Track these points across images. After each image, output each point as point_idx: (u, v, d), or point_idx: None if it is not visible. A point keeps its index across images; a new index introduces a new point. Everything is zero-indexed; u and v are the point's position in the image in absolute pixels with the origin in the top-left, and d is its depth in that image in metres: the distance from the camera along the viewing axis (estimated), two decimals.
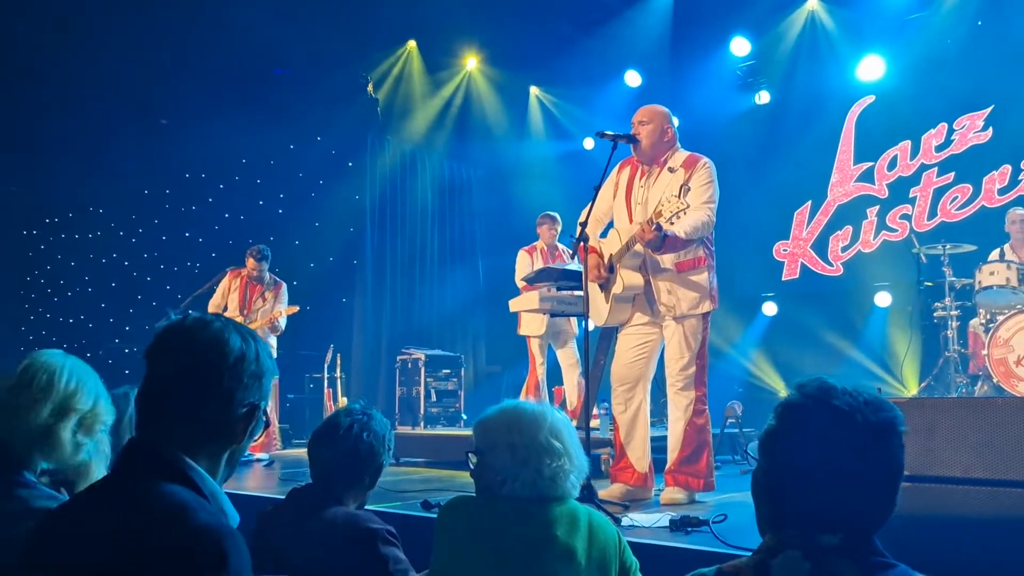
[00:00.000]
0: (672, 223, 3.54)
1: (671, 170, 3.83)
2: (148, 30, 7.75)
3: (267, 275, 6.64)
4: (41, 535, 1.17)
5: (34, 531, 1.17)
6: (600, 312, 3.95)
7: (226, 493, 2.78)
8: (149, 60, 8.15)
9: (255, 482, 5.01)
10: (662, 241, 3.52)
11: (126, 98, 8.47)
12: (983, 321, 5.81)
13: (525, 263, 6.51)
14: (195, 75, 8.41)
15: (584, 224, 3.84)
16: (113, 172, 8.93)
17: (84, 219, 9.43)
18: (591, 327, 4.10)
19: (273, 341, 6.63)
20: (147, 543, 1.06)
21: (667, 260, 3.77)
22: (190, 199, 9.28)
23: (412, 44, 9.32)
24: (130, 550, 1.06)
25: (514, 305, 5.76)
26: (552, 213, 6.69)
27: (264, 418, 1.29)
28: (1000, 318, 5.39)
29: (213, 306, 6.63)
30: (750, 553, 1.23)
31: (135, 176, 9.11)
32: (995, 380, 5.26)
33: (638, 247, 3.77)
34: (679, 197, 3.57)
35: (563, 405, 6.49)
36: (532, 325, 6.39)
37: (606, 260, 3.96)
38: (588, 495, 3.34)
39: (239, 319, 6.44)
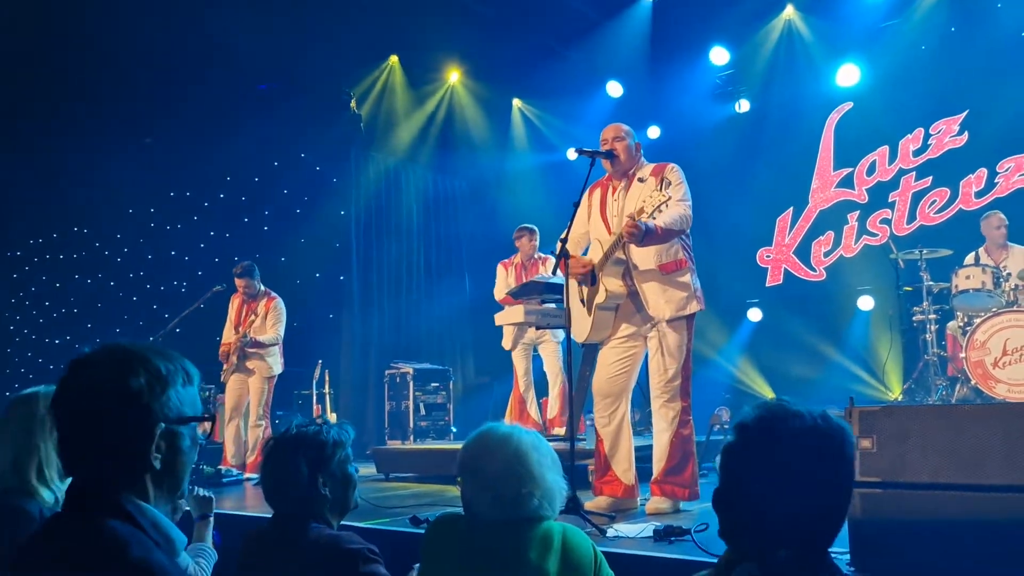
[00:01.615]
0: (654, 217, 3.64)
1: (641, 180, 3.92)
2: (131, 48, 7.76)
3: (259, 289, 6.60)
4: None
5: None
6: (583, 328, 3.98)
7: (217, 513, 2.80)
8: (132, 79, 8.17)
9: (244, 502, 5.04)
10: (644, 234, 3.59)
11: (109, 117, 8.48)
12: (960, 324, 5.90)
13: (501, 277, 6.54)
14: (179, 93, 8.44)
15: (564, 240, 3.89)
16: (98, 191, 8.93)
17: (69, 239, 9.43)
18: (578, 344, 4.15)
19: (273, 354, 6.53)
20: None
21: (650, 262, 3.82)
22: (175, 218, 9.29)
23: (394, 59, 9.37)
24: None
25: (500, 319, 5.81)
26: (529, 225, 6.69)
27: (190, 432, 1.31)
28: (977, 321, 5.47)
29: (226, 332, 6.63)
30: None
31: (120, 195, 9.11)
32: (973, 382, 5.35)
33: (619, 253, 3.83)
34: (660, 190, 3.66)
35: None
36: (509, 338, 6.44)
37: (588, 268, 4.02)
38: (574, 507, 3.38)
39: (234, 338, 6.45)
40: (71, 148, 8.65)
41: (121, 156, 8.72)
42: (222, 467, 6.17)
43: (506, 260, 6.68)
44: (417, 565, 2.04)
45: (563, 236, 3.96)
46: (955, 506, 2.29)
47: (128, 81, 8.19)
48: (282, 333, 6.53)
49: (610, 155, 3.97)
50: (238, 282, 6.53)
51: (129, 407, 1.24)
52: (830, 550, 1.26)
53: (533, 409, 6.51)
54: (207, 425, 1.40)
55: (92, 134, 8.57)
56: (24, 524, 1.99)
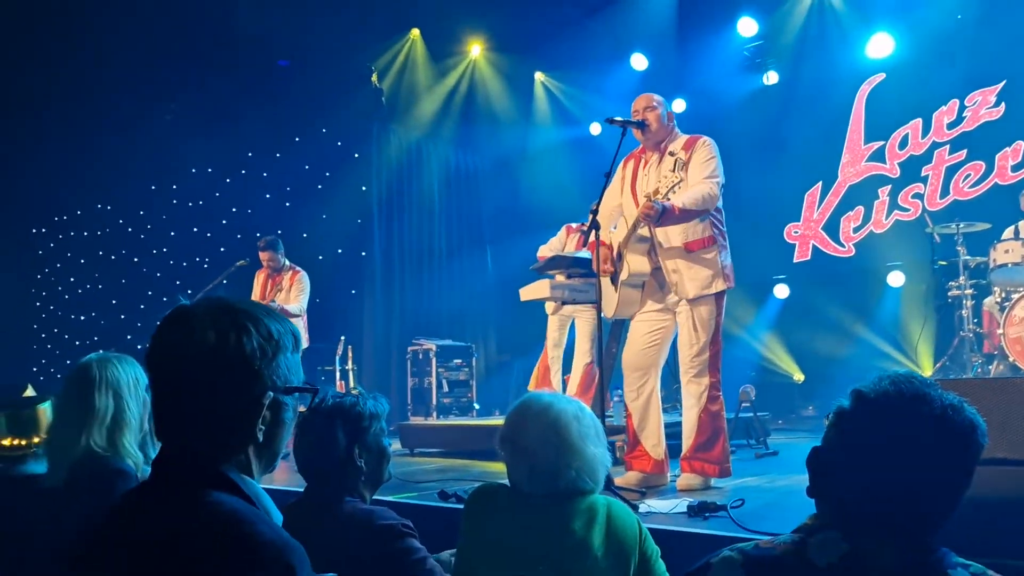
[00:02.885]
0: (668, 197, 3.59)
1: (672, 154, 3.83)
2: (152, 25, 7.72)
3: (283, 263, 6.58)
4: (81, 554, 1.09)
5: (75, 546, 1.10)
6: (610, 303, 3.92)
7: None
8: (153, 56, 8.13)
9: (271, 476, 5.02)
10: (660, 214, 3.51)
11: (130, 94, 8.46)
12: (998, 300, 5.76)
13: (560, 238, 6.38)
14: (199, 69, 8.39)
15: (595, 212, 3.81)
16: (119, 169, 8.94)
17: (92, 216, 9.46)
18: (607, 319, 4.08)
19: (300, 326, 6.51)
20: (204, 558, 0.99)
21: (676, 240, 3.76)
22: (197, 194, 9.29)
23: (415, 33, 9.27)
24: (184, 566, 1.00)
25: (525, 294, 5.71)
26: None
27: (293, 402, 1.20)
28: (1015, 296, 5.33)
29: None
30: (768, 537, 1.23)
31: (142, 172, 9.12)
32: (1011, 359, 5.22)
33: (643, 230, 3.77)
34: (674, 171, 3.63)
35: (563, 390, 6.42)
36: (552, 302, 6.26)
37: (615, 251, 3.97)
38: (605, 483, 3.33)
39: None
40: (93, 126, 8.66)
41: (143, 133, 8.72)
42: None
43: (575, 224, 6.49)
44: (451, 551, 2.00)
45: (593, 207, 3.88)
46: (1009, 482, 2.21)
47: (149, 58, 8.15)
48: (305, 304, 6.51)
49: (641, 125, 3.88)
50: (262, 256, 6.51)
51: (242, 372, 1.11)
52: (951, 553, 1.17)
53: (557, 380, 6.41)
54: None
55: (114, 111, 8.56)
56: (122, 486, 1.92)
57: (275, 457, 1.20)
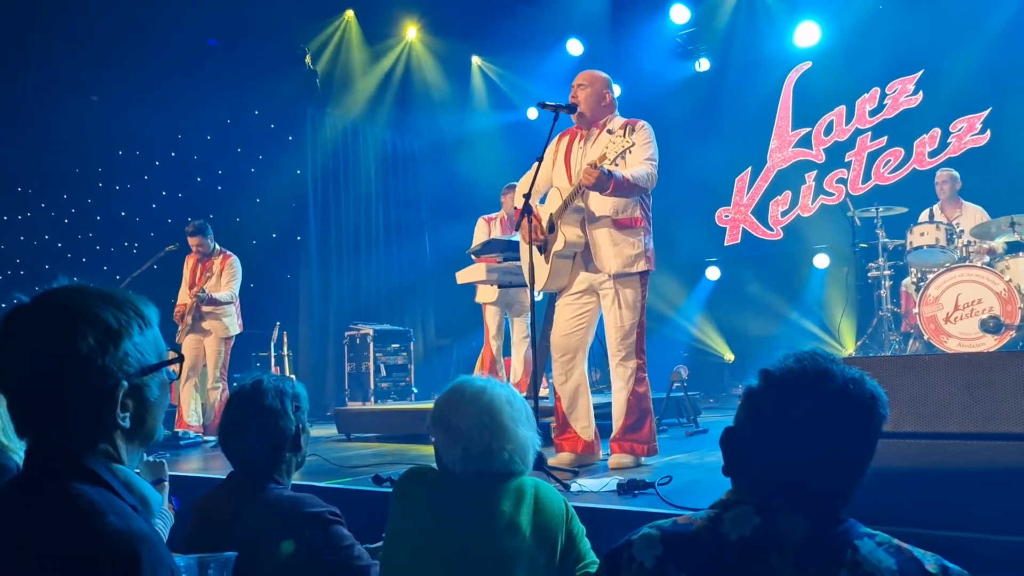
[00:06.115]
0: (616, 164, 3.56)
1: (610, 131, 3.84)
2: (78, 1, 7.44)
3: (213, 247, 6.46)
4: None
5: None
6: (541, 276, 3.94)
7: (175, 476, 2.72)
8: (78, 33, 7.83)
9: (203, 464, 4.96)
10: (608, 181, 3.52)
11: (54, 73, 8.14)
12: (914, 280, 6.01)
13: (482, 232, 6.41)
14: (126, 48, 8.12)
15: (527, 196, 3.84)
16: (41, 150, 8.60)
17: (12, 199, 9.09)
18: (537, 296, 4.13)
19: (230, 315, 6.41)
20: (54, 551, 1.01)
21: (607, 212, 3.77)
22: (125, 177, 9.01)
23: (350, 14, 9.14)
24: (39, 561, 1.01)
25: (461, 277, 5.75)
26: (515, 183, 6.59)
27: (159, 378, 1.19)
28: (930, 277, 5.58)
29: (180, 293, 6.48)
30: (689, 512, 1.27)
31: (65, 154, 8.79)
32: (926, 337, 5.46)
33: (578, 202, 3.78)
34: (624, 137, 3.55)
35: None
36: (486, 292, 6.34)
37: (545, 222, 3.97)
38: (538, 462, 3.38)
39: (189, 299, 6.31)
40: (12, 105, 8.30)
41: (66, 113, 8.40)
42: (179, 429, 6.07)
43: (489, 216, 6.52)
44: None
45: (525, 192, 3.91)
46: (915, 454, 2.34)
47: (73, 35, 7.85)
48: (237, 290, 6.42)
49: (573, 109, 3.90)
50: (191, 241, 6.39)
51: (84, 372, 1.10)
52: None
53: (502, 371, 6.49)
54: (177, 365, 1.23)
55: (34, 90, 8.22)
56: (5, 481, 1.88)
57: (150, 435, 1.20)
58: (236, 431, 2.00)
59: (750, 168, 8.71)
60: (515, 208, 4.11)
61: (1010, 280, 5.27)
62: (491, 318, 6.38)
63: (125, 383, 1.13)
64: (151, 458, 2.74)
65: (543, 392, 5.17)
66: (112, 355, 1.12)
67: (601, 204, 3.78)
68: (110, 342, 1.13)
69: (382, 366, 7.71)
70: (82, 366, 1.10)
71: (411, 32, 9.52)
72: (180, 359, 1.24)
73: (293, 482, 2.09)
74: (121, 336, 1.14)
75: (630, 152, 3.57)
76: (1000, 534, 2.11)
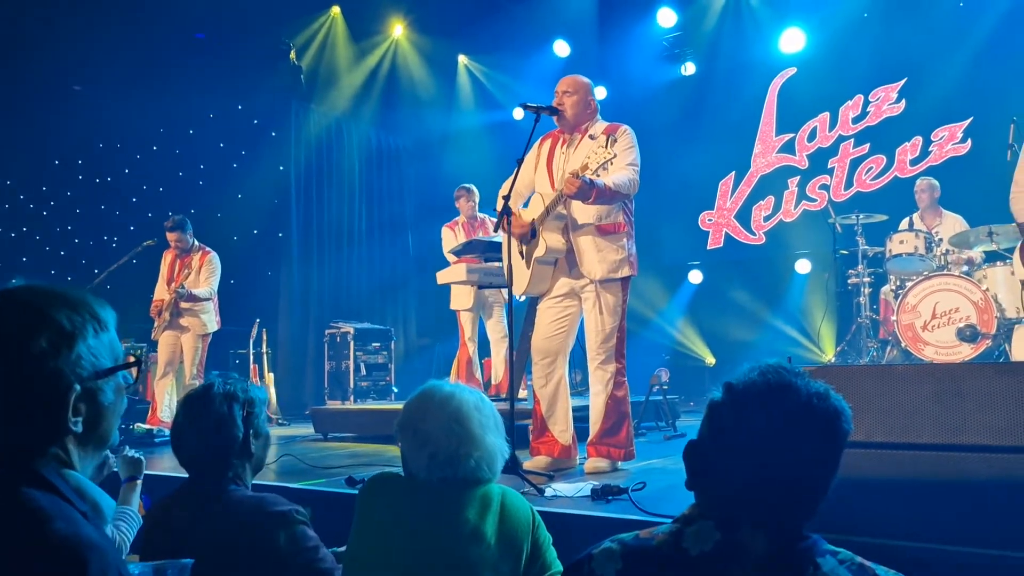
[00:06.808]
0: (598, 174, 3.58)
1: (592, 137, 3.85)
2: None
3: (192, 243, 6.42)
4: None
5: None
6: (522, 280, 3.94)
7: (148, 475, 2.67)
8: (60, 22, 7.74)
9: (174, 463, 4.90)
10: (590, 190, 3.54)
11: (35, 62, 8.04)
12: (893, 288, 6.05)
13: (449, 239, 6.45)
14: (110, 39, 8.03)
15: (507, 198, 3.83)
16: (20, 141, 8.49)
17: None
18: (519, 298, 4.12)
19: (208, 311, 6.36)
20: (1, 558, 0.99)
21: (590, 219, 3.78)
22: (105, 170, 8.91)
23: (336, 10, 9.09)
24: None
25: (442, 277, 5.73)
26: (467, 185, 6.62)
27: (114, 382, 1.16)
28: (908, 284, 5.61)
29: (158, 288, 6.43)
30: (668, 520, 1.26)
31: (44, 145, 8.69)
32: (903, 344, 5.50)
33: (561, 209, 3.79)
34: (606, 148, 3.56)
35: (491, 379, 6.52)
36: (460, 299, 6.37)
37: (528, 227, 3.97)
38: (512, 466, 3.37)
39: (167, 295, 6.25)
40: None
41: (47, 103, 8.30)
42: (153, 427, 6.00)
43: (450, 222, 6.59)
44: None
45: (504, 193, 3.89)
46: (886, 465, 2.34)
47: (55, 24, 7.75)
48: (216, 287, 6.37)
49: (556, 111, 3.90)
50: (170, 236, 6.34)
51: (31, 375, 1.07)
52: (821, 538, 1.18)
53: (479, 372, 6.50)
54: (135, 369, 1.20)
55: (14, 81, 8.12)
56: None
57: (105, 440, 1.17)
58: (183, 436, 1.97)
59: (734, 173, 8.73)
60: (493, 210, 4.09)
61: (987, 289, 5.31)
62: (466, 321, 6.43)
63: (78, 386, 1.10)
64: (131, 453, 2.70)
65: (522, 394, 5.16)
66: (65, 357, 1.10)
67: (584, 211, 3.79)
68: (63, 344, 1.10)
69: (362, 365, 7.68)
70: (33, 368, 1.07)
71: (397, 30, 9.48)
72: (137, 363, 1.21)
73: (266, 483, 2.07)
74: (75, 338, 1.11)
75: (611, 163, 3.58)
76: (967, 546, 2.11)
